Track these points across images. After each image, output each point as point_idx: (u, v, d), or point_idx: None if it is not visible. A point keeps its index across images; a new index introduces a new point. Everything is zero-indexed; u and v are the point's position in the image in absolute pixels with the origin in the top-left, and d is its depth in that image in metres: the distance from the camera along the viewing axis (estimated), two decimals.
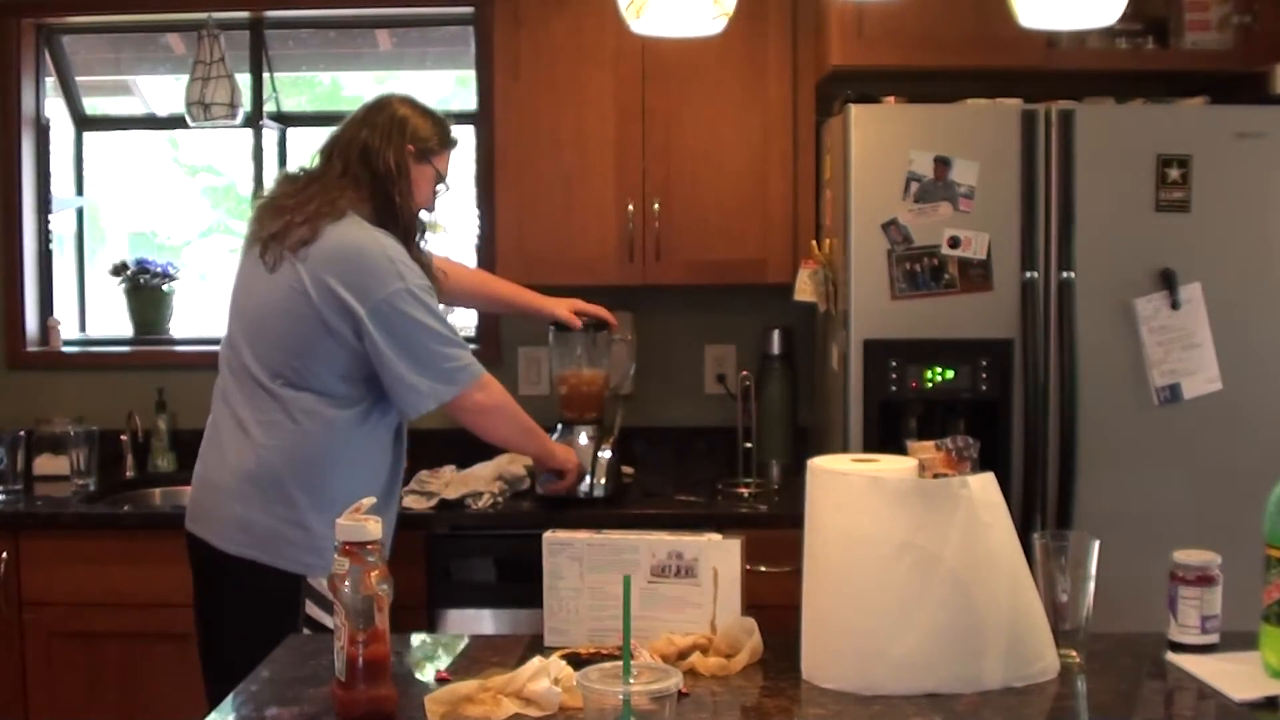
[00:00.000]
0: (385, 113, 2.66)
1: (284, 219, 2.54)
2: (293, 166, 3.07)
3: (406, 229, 2.64)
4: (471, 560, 3.18)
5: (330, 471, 2.52)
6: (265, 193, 2.76)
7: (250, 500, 2.50)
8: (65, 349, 3.89)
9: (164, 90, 4.11)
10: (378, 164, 2.60)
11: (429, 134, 2.68)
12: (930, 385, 2.93)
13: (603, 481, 3.17)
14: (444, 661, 1.84)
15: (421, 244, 2.74)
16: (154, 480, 3.66)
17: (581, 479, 3.08)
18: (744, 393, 3.42)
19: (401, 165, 2.62)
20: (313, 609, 2.45)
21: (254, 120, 3.86)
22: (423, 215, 2.74)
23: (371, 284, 2.49)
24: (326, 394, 2.52)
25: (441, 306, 2.68)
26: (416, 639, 1.99)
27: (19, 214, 3.82)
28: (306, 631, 2.41)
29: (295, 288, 2.49)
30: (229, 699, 1.68)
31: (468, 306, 3.67)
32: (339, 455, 2.53)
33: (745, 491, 3.31)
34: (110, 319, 4.04)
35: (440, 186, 2.74)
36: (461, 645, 1.95)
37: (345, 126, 2.67)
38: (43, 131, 3.91)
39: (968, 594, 1.65)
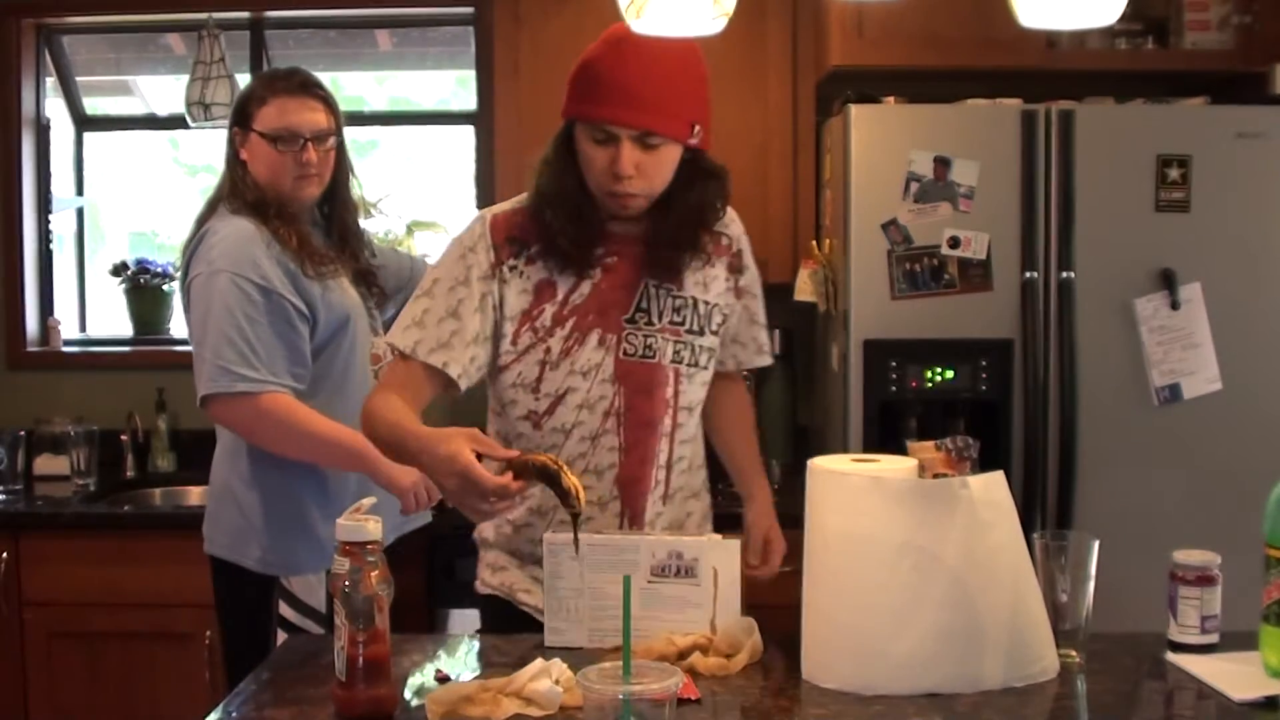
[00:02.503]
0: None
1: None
2: None
3: (268, 209, 2.47)
4: (472, 560, 3.16)
5: (279, 472, 2.45)
6: None
7: (220, 500, 2.51)
8: (65, 349, 3.89)
9: (164, 90, 4.11)
10: (225, 155, 2.55)
11: (243, 100, 2.54)
12: (930, 385, 2.93)
13: None
14: (444, 661, 1.85)
15: (349, 217, 2.62)
16: (154, 480, 3.66)
17: (427, 502, 2.51)
18: None
19: (232, 148, 2.52)
20: (287, 610, 2.44)
21: None
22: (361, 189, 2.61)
23: (188, 270, 2.45)
24: None
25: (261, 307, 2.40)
26: (416, 639, 1.99)
27: (19, 214, 3.82)
28: (283, 634, 2.40)
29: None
30: (229, 699, 1.68)
31: None
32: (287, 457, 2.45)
33: None
34: (110, 319, 4.04)
35: (285, 142, 2.47)
36: (462, 645, 1.95)
37: None
38: (43, 131, 3.91)
39: (968, 594, 1.65)
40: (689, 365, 2.10)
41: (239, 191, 2.48)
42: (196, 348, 2.39)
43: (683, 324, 2.10)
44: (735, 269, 2.19)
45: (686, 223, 2.07)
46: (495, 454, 1.80)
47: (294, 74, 2.54)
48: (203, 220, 2.49)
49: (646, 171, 1.98)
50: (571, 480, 1.75)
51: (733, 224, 2.21)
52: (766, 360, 2.29)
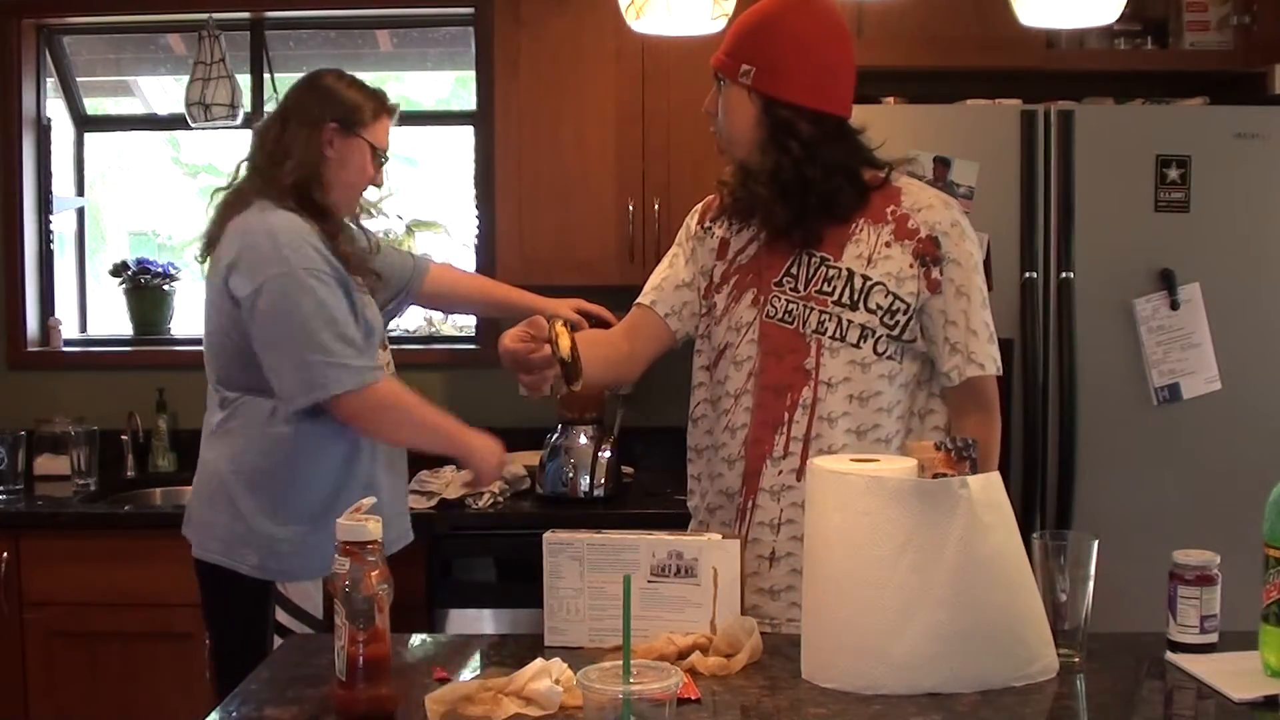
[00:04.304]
0: (311, 91, 2.52)
1: (209, 220, 2.50)
2: None
3: (331, 208, 2.46)
4: (472, 560, 3.18)
5: (279, 477, 2.42)
6: None
7: (214, 504, 2.47)
8: (65, 349, 3.90)
9: (164, 90, 4.11)
10: (296, 144, 2.45)
11: (355, 104, 2.51)
12: None
13: (603, 481, 3.17)
14: (444, 661, 1.84)
15: (359, 221, 2.62)
16: (154, 480, 3.66)
17: (495, 477, 2.62)
18: None
19: (317, 140, 2.46)
20: (283, 616, 2.43)
21: (254, 120, 3.85)
22: (368, 193, 2.59)
23: (253, 271, 2.35)
24: (267, 396, 2.41)
25: (366, 299, 2.47)
26: (416, 639, 1.99)
27: (19, 214, 3.82)
28: (279, 640, 2.39)
29: (212, 289, 2.44)
30: (229, 699, 1.68)
31: (468, 313, 3.65)
32: (287, 461, 2.42)
33: None
34: (110, 319, 4.05)
35: (380, 159, 2.54)
36: (462, 645, 1.95)
37: (275, 108, 2.57)
38: (43, 131, 3.91)
39: (967, 594, 1.65)
40: (833, 338, 2.07)
41: (307, 184, 2.43)
42: (299, 350, 2.32)
43: (831, 294, 2.07)
44: (927, 257, 2.07)
45: (755, 177, 2.10)
46: (539, 335, 2.04)
47: (387, 97, 2.58)
48: (230, 213, 2.43)
49: (722, 112, 2.10)
50: (555, 330, 2.00)
51: (929, 210, 2.09)
52: (980, 371, 2.10)
